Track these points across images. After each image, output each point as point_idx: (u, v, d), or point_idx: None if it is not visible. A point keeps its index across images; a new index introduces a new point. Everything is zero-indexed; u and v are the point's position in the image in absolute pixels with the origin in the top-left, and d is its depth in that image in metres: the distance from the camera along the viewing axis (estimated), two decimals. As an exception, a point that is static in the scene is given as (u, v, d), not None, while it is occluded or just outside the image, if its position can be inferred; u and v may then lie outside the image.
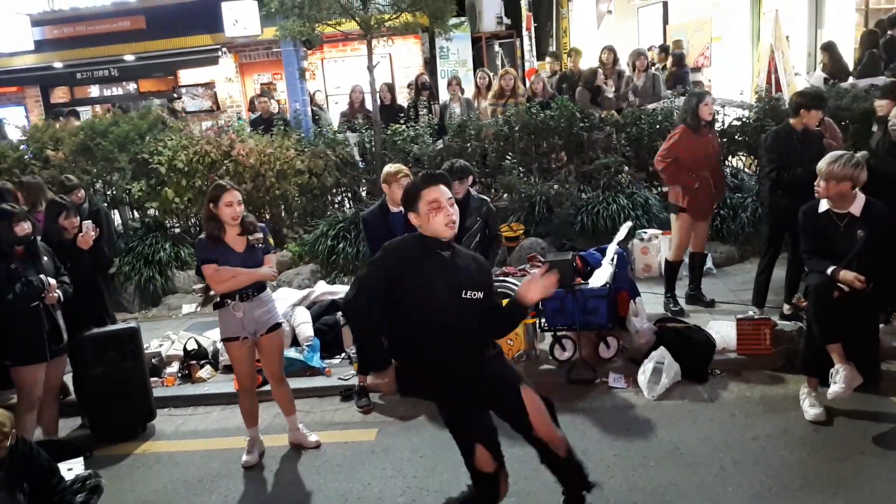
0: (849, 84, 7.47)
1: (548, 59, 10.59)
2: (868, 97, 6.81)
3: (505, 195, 7.74)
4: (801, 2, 10.91)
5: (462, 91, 9.11)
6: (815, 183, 4.12)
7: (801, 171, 4.98)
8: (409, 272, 2.85)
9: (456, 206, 2.90)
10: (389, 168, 4.87)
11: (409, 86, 10.30)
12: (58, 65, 14.32)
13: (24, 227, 4.22)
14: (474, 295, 2.91)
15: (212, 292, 6.98)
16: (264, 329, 4.22)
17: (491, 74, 9.51)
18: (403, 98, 10.58)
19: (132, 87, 15.20)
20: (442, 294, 2.86)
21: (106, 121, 8.51)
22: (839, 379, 3.93)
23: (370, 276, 2.90)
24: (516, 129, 7.75)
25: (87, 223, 4.86)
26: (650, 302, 5.75)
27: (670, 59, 10.44)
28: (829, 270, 4.04)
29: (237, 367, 4.27)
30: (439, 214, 2.84)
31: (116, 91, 15.26)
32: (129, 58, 14.06)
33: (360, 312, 2.91)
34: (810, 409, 4.14)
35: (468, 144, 7.90)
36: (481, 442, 2.99)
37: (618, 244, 5.38)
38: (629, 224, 5.82)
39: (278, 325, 4.35)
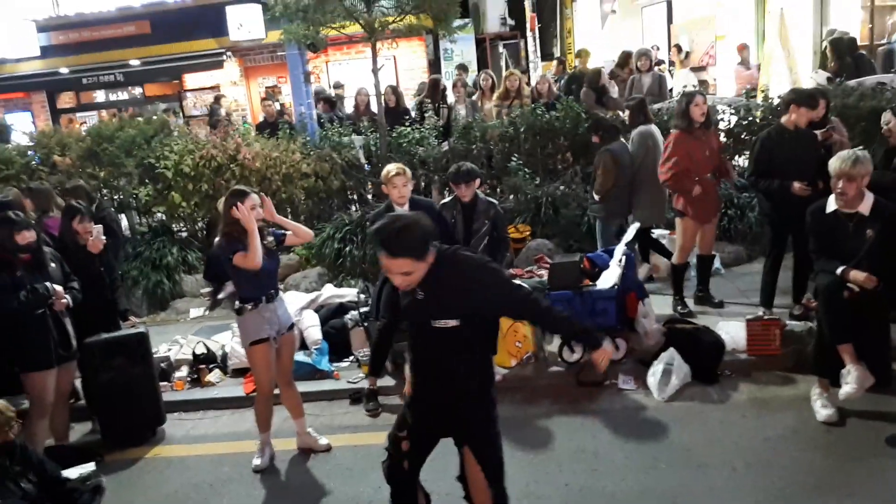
0: (855, 82, 7.43)
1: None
2: (875, 95, 6.78)
3: (511, 196, 7.73)
4: (806, 0, 10.87)
5: (469, 94, 9.11)
6: (832, 183, 4.09)
7: (776, 184, 5.05)
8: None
9: (411, 277, 2.64)
10: (386, 169, 4.90)
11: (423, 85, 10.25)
12: (64, 70, 14.38)
13: (26, 236, 4.21)
14: (446, 324, 2.72)
15: (220, 295, 7.00)
16: (285, 328, 4.28)
17: (494, 76, 9.50)
18: (408, 100, 10.57)
19: (138, 91, 15.26)
20: (413, 325, 2.87)
21: (113, 126, 8.53)
22: (851, 379, 3.91)
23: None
24: (522, 130, 7.74)
25: (98, 227, 4.88)
26: (658, 303, 5.73)
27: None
28: (839, 270, 4.01)
29: (260, 372, 4.26)
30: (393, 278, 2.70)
31: (122, 96, 15.32)
32: (135, 62, 14.12)
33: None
34: (822, 410, 4.12)
35: (473, 146, 7.89)
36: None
37: (626, 245, 5.37)
38: (637, 225, 5.81)
39: (293, 325, 4.44)
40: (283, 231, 4.36)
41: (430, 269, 2.67)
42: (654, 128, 6.32)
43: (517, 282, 2.75)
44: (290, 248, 7.79)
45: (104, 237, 4.89)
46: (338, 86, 11.64)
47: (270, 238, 4.24)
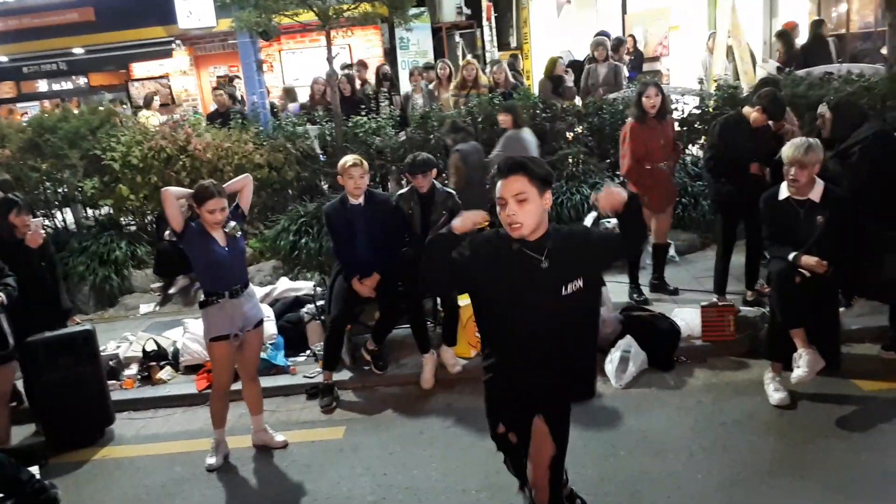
0: (804, 72, 7.58)
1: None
2: (823, 85, 6.93)
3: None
4: (756, -9, 11.08)
5: (427, 82, 9.03)
6: (785, 171, 4.15)
7: (731, 167, 5.15)
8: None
9: (523, 208, 2.49)
10: (343, 160, 4.81)
11: (350, 67, 10.05)
12: (3, 59, 13.80)
13: None
14: (575, 286, 2.61)
15: (171, 290, 6.82)
16: (251, 325, 4.15)
17: (451, 65, 9.44)
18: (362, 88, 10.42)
19: (82, 81, 14.75)
20: (517, 303, 2.63)
21: (55, 116, 8.20)
22: (803, 363, 3.99)
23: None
24: (479, 120, 7.70)
25: (37, 221, 4.68)
26: (614, 291, 5.76)
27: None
28: (791, 256, 4.09)
29: (218, 369, 4.15)
30: (501, 212, 2.54)
31: (66, 85, 14.79)
32: (79, 51, 13.62)
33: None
34: (775, 394, 4.19)
35: (431, 136, 7.82)
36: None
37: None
38: (594, 214, 5.82)
39: (262, 321, 4.29)
40: (236, 205, 4.19)
41: (549, 235, 2.60)
42: (524, 132, 6.37)
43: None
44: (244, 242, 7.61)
45: (43, 231, 4.68)
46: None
47: (232, 223, 4.07)
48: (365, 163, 4.80)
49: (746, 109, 5.22)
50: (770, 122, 5.33)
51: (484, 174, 6.24)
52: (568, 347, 2.73)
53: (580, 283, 2.61)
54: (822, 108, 4.93)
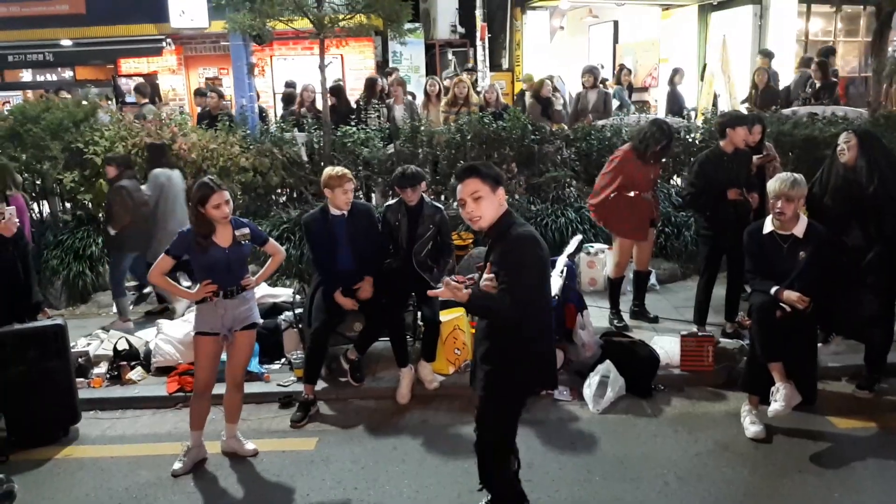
0: (790, 111, 7.72)
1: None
2: (808, 124, 7.06)
3: (455, 203, 7.68)
4: (745, 30, 11.29)
5: (413, 96, 9.04)
6: (771, 204, 4.18)
7: (712, 200, 5.20)
8: None
9: (479, 205, 2.87)
10: (332, 171, 4.71)
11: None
12: (-12, 46, 13.60)
13: None
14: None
15: (145, 290, 6.68)
16: (240, 326, 4.08)
17: (441, 82, 9.47)
18: (353, 100, 10.42)
19: (68, 73, 14.58)
20: None
21: (38, 106, 8.06)
22: (780, 397, 4.00)
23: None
24: (468, 137, 7.71)
25: (10, 209, 4.57)
26: (595, 315, 5.76)
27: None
28: (773, 290, 4.11)
29: (199, 364, 4.08)
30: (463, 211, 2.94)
31: (51, 77, 14.61)
32: (67, 43, 13.47)
33: None
34: (751, 427, 4.20)
35: (419, 150, 7.81)
36: None
37: (567, 257, 5.38)
38: (579, 237, 5.84)
39: (254, 325, 4.19)
40: (263, 233, 4.30)
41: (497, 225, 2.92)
42: (169, 172, 6.58)
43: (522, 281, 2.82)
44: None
45: (17, 220, 4.58)
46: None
47: (245, 230, 4.06)
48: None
49: (722, 143, 5.29)
50: (755, 157, 5.40)
51: (148, 210, 6.38)
52: None
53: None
54: (847, 135, 4.66)
